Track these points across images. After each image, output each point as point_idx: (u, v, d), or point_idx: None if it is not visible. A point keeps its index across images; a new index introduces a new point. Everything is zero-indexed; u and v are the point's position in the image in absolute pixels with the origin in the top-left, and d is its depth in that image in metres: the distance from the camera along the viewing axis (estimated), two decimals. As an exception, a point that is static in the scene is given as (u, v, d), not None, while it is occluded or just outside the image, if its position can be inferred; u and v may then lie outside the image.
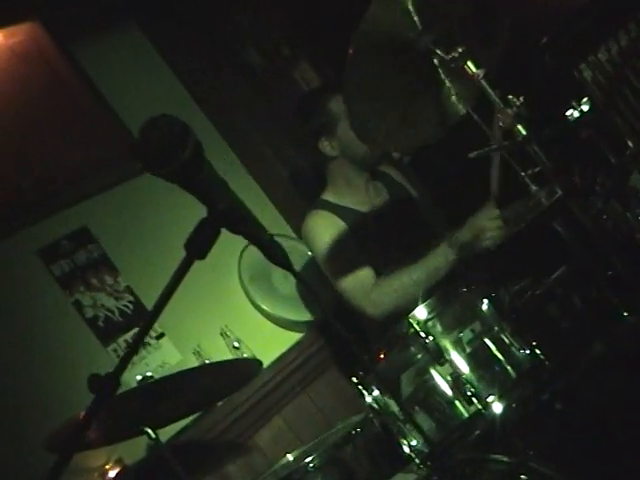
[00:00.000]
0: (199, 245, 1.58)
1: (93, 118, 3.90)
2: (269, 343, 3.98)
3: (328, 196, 3.58)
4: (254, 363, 2.94)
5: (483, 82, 2.66)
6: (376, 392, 2.72)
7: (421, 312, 2.63)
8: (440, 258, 3.22)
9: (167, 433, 3.38)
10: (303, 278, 3.34)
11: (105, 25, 4.23)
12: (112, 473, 3.36)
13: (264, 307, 4.10)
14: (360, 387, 2.74)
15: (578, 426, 2.79)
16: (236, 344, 3.86)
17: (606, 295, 2.75)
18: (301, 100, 3.84)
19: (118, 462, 3.38)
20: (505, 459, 2.62)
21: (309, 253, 4.23)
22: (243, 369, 3.00)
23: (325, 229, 3.44)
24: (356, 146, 3.39)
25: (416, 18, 2.53)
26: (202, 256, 1.58)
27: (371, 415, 3.09)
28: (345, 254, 3.34)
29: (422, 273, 3.22)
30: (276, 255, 1.69)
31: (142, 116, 4.36)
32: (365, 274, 3.34)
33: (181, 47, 4.37)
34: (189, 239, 1.58)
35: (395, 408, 2.70)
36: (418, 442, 2.64)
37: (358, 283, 3.31)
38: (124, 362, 1.65)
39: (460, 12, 2.59)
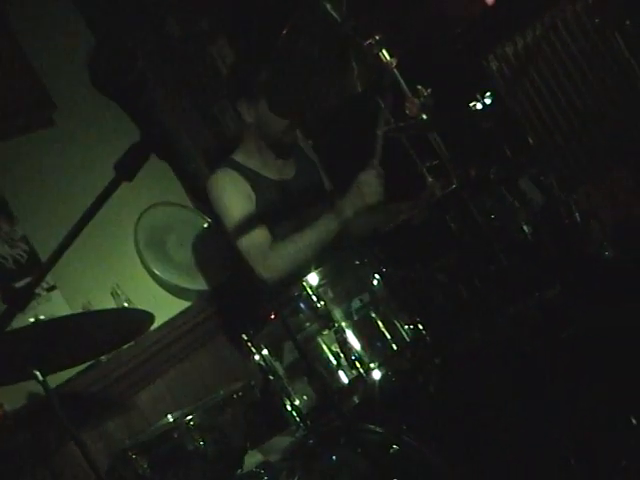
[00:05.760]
0: (128, 167, 1.65)
1: (6, 65, 3.87)
2: (158, 307, 3.98)
3: (237, 157, 3.59)
4: (146, 315, 2.95)
5: (395, 70, 2.81)
6: (265, 351, 2.82)
7: (314, 278, 2.76)
8: (330, 219, 3.31)
9: (52, 383, 3.38)
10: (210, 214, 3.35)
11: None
12: (-10, 417, 3.36)
13: (155, 271, 4.15)
14: (249, 345, 2.84)
15: (449, 408, 2.95)
16: (126, 304, 3.89)
17: (488, 286, 2.92)
18: (245, 53, 3.86)
19: (-3, 406, 3.38)
20: (379, 430, 2.76)
21: (205, 225, 4.30)
22: (136, 319, 3.03)
23: (228, 187, 3.46)
24: (271, 125, 3.47)
25: (344, 6, 2.68)
26: (130, 178, 1.65)
27: (252, 382, 3.21)
28: (244, 214, 3.39)
29: (314, 235, 3.31)
30: (197, 189, 1.77)
31: (55, 71, 4.34)
32: (262, 237, 3.39)
33: (101, 4, 4.36)
34: (119, 160, 1.65)
35: (280, 370, 2.81)
36: (301, 402, 2.76)
37: (255, 244, 3.36)
38: (39, 277, 1.71)
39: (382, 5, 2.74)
